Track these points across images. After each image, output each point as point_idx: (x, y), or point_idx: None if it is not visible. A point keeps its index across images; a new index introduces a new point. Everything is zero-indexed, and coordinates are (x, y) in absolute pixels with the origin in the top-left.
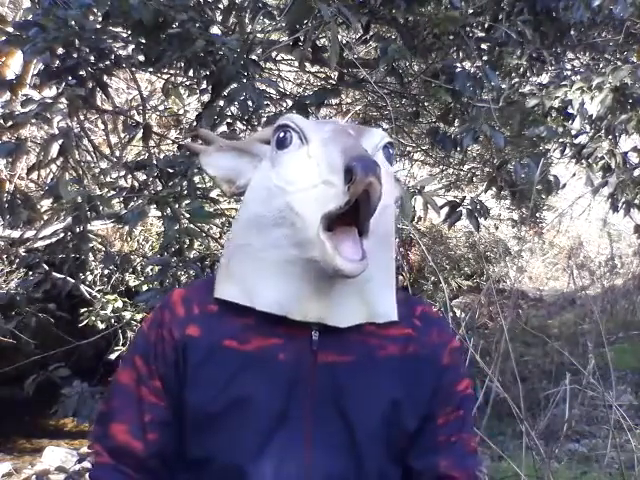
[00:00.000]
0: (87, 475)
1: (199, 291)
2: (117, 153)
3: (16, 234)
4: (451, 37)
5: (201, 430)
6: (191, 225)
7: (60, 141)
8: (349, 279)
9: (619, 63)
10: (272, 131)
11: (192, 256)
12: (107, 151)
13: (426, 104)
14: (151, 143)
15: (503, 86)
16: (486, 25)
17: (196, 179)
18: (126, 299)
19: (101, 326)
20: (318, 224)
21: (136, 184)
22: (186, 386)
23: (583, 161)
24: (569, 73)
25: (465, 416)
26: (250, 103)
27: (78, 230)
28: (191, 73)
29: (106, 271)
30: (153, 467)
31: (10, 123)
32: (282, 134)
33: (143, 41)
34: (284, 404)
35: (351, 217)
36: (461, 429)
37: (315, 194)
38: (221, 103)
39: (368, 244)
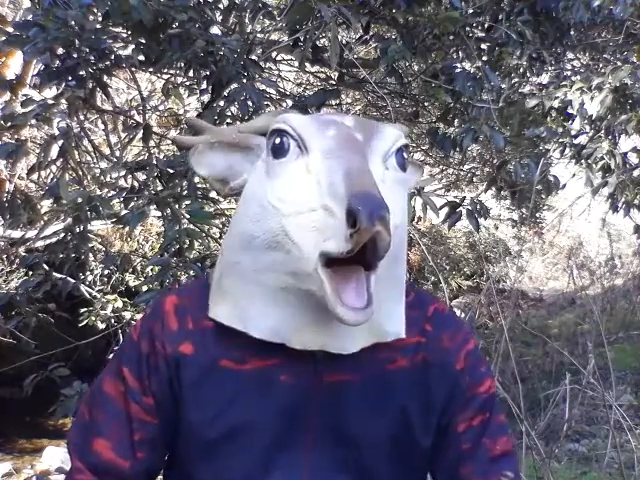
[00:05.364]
0: None
1: (193, 300)
2: (117, 153)
3: (16, 234)
4: (451, 37)
5: (200, 455)
6: (191, 226)
7: (60, 142)
8: None
9: (619, 63)
10: (268, 133)
11: (192, 257)
12: (107, 151)
13: (426, 104)
14: (151, 143)
15: (503, 86)
16: (486, 25)
17: (196, 179)
18: (126, 299)
19: (101, 326)
20: (316, 258)
21: (136, 184)
22: (182, 408)
23: (583, 161)
24: (569, 73)
25: (490, 418)
26: (250, 103)
27: (78, 230)
28: (191, 73)
29: (106, 271)
30: None
31: (10, 124)
32: (278, 140)
33: (143, 41)
34: (285, 429)
35: (356, 254)
36: (483, 433)
37: (313, 220)
38: (221, 103)
39: (377, 271)
